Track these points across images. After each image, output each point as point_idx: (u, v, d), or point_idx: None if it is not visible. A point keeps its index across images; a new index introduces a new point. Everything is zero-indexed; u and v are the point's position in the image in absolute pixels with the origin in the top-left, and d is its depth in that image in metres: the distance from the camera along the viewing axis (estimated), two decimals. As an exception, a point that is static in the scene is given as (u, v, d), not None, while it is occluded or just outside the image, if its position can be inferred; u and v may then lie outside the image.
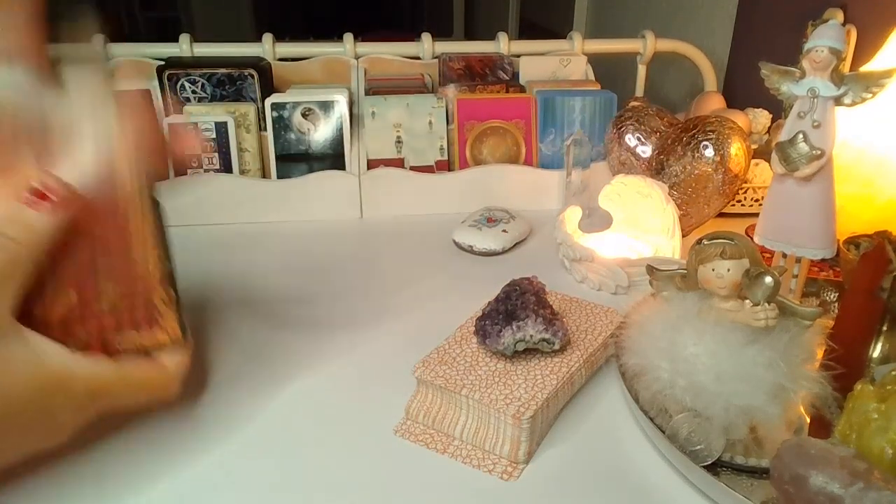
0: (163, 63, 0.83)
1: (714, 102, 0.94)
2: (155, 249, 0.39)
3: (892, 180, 0.60)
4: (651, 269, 0.45)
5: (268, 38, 0.95)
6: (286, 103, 0.79)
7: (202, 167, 0.79)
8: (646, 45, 1.03)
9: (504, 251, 0.72)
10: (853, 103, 0.48)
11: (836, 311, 0.54)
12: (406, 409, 0.46)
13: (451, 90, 0.88)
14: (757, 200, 0.80)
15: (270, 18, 3.90)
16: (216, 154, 0.79)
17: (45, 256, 0.34)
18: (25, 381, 0.33)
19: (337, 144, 0.81)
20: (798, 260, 0.54)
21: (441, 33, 2.89)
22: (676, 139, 0.69)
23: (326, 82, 0.94)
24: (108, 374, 0.37)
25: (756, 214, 0.57)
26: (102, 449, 0.42)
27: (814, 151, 0.49)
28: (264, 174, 0.82)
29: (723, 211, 0.71)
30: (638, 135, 0.73)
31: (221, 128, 0.79)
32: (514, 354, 0.46)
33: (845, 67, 0.60)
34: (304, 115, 0.80)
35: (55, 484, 0.40)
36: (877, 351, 0.46)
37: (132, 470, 0.41)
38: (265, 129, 0.80)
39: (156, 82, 0.82)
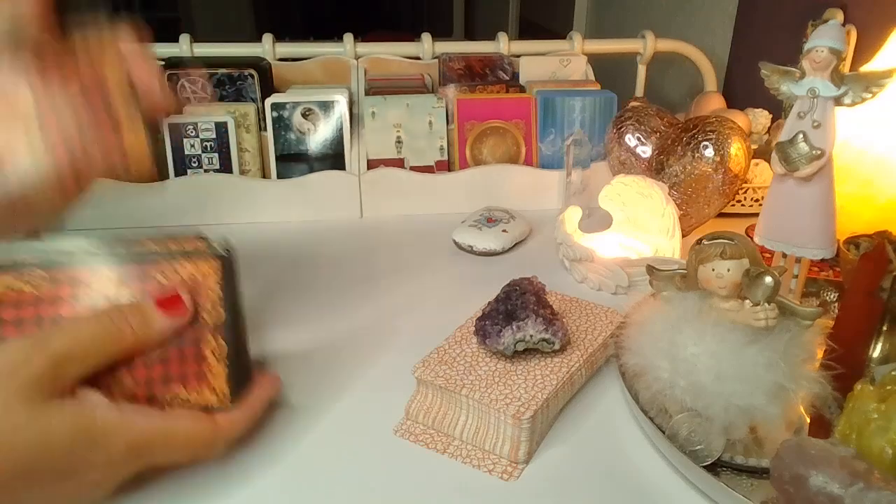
0: (163, 63, 0.83)
1: (714, 102, 0.94)
2: (210, 297, 0.38)
3: (892, 180, 0.60)
4: (651, 269, 0.45)
5: (268, 38, 0.95)
6: (286, 103, 0.79)
7: (202, 167, 0.79)
8: (646, 45, 1.03)
9: (504, 251, 0.72)
10: (853, 103, 0.48)
11: (836, 311, 0.54)
12: (406, 409, 0.46)
13: (451, 90, 0.88)
14: (757, 200, 0.80)
15: (270, 18, 3.90)
16: (216, 154, 0.79)
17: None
18: (66, 435, 0.33)
19: (337, 144, 0.81)
20: (798, 260, 0.54)
21: (441, 33, 2.89)
22: (676, 139, 0.69)
23: (326, 82, 0.94)
24: (153, 429, 0.36)
25: (756, 214, 0.56)
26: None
27: (814, 151, 0.49)
28: (264, 174, 0.82)
29: (723, 211, 0.71)
30: (638, 135, 0.73)
31: (221, 128, 0.79)
32: (514, 354, 0.46)
33: (845, 67, 0.60)
34: (304, 115, 0.80)
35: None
36: (877, 351, 0.46)
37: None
38: (265, 129, 0.80)
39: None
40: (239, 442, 0.41)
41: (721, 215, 0.72)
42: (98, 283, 0.37)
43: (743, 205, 0.80)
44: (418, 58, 0.98)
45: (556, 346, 0.46)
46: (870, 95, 0.48)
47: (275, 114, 0.79)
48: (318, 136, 0.81)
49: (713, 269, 0.39)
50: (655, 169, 0.71)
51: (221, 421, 0.38)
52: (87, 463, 0.34)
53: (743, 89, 1.12)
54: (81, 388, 0.34)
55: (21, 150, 0.36)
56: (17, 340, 0.33)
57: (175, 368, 0.37)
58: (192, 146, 0.79)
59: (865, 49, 0.79)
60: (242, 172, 0.81)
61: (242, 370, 0.40)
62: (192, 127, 0.78)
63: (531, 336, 0.45)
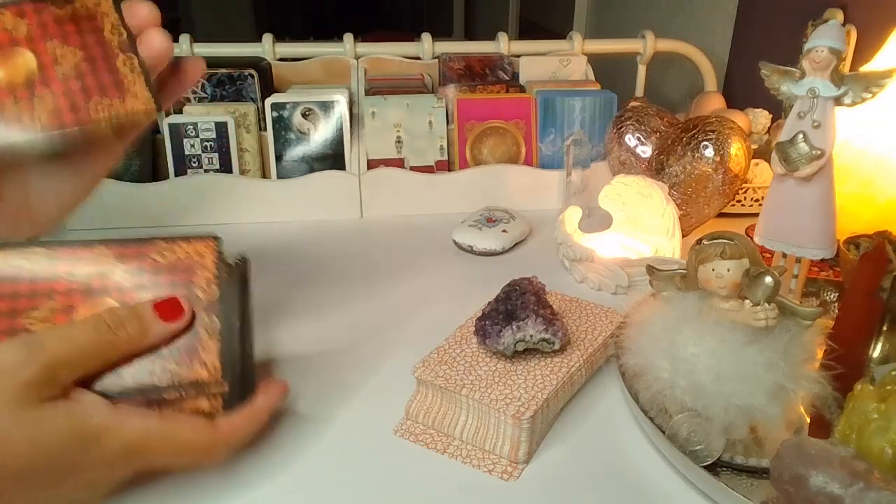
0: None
1: (714, 102, 0.94)
2: (204, 275, 0.38)
3: (892, 180, 0.60)
4: (651, 269, 0.45)
5: (268, 38, 0.95)
6: (286, 103, 0.79)
7: (202, 167, 0.79)
8: (646, 45, 1.03)
9: (504, 251, 0.72)
10: (853, 103, 0.48)
11: (836, 311, 0.54)
12: (406, 409, 0.46)
13: (451, 90, 0.88)
14: (757, 200, 0.80)
15: (270, 18, 3.90)
16: (216, 154, 0.79)
17: None
18: (60, 437, 0.32)
19: (337, 144, 0.81)
20: (798, 260, 0.54)
21: (441, 33, 2.89)
22: (676, 139, 0.69)
23: (326, 82, 0.94)
24: (149, 430, 0.35)
25: (756, 214, 0.57)
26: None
27: (814, 151, 0.49)
28: (264, 174, 0.82)
29: (723, 211, 0.71)
30: (638, 135, 0.73)
31: (221, 128, 0.79)
32: (514, 354, 0.46)
33: (845, 67, 0.60)
34: (304, 115, 0.80)
35: None
36: (877, 351, 0.46)
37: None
38: (265, 129, 0.80)
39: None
40: (242, 448, 0.40)
41: (721, 215, 0.72)
42: (94, 261, 0.36)
43: (743, 205, 0.80)
44: (418, 58, 0.98)
45: (556, 346, 0.46)
46: (870, 95, 0.48)
47: (275, 114, 0.79)
48: (318, 136, 0.81)
49: (713, 269, 0.39)
50: (655, 169, 0.71)
51: (223, 426, 0.37)
52: (82, 463, 0.33)
53: (743, 89, 1.12)
54: (75, 388, 0.34)
55: (27, 117, 0.36)
56: (12, 343, 0.32)
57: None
58: (192, 146, 0.79)
59: (865, 49, 0.79)
60: (242, 172, 0.81)
61: (247, 374, 0.39)
62: (192, 127, 0.78)
63: (531, 336, 0.45)
